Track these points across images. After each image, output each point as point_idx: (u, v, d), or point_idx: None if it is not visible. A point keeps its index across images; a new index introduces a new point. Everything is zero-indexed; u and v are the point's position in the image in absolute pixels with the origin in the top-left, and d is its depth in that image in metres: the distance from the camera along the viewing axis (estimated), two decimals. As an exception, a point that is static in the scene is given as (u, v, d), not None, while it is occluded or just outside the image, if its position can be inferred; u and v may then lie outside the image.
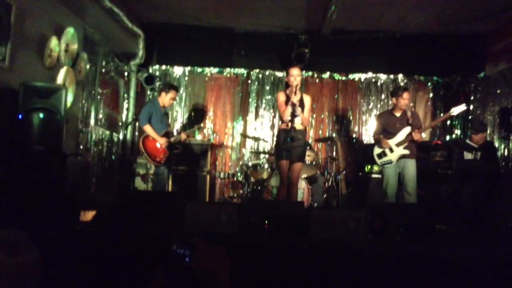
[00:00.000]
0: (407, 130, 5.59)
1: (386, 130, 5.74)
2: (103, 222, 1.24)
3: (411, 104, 7.83)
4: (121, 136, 7.54)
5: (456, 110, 5.55)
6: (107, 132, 7.08)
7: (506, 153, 6.54)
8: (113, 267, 1.17)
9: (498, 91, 6.86)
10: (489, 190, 6.01)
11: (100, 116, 6.83)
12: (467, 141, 6.28)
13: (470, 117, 7.64)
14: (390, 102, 6.07)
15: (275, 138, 5.47)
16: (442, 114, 7.79)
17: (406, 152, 5.55)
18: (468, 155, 6.17)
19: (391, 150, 5.60)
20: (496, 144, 6.74)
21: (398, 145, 5.57)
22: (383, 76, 8.12)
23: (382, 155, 5.67)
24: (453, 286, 3.57)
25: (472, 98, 7.70)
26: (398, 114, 5.71)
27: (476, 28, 7.11)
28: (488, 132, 6.99)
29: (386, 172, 5.64)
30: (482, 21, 6.78)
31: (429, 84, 8.11)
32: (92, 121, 6.52)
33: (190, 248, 1.23)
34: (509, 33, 6.60)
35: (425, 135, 7.64)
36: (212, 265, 1.20)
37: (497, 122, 6.82)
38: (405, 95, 5.63)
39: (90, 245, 1.23)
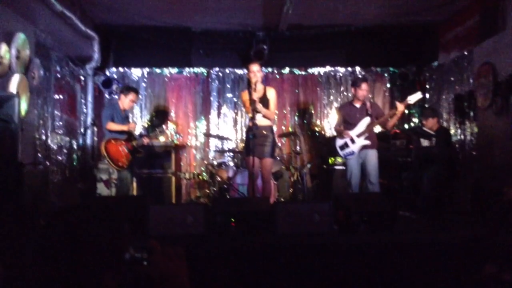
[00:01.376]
0: (366, 120, 5.68)
1: (347, 121, 5.81)
2: (55, 229, 1.21)
3: (370, 96, 7.98)
4: (80, 142, 7.37)
5: (412, 99, 5.66)
6: (66, 139, 6.90)
7: (461, 138, 6.75)
8: (66, 273, 1.15)
9: (452, 78, 7.08)
10: (447, 176, 6.21)
11: (58, 122, 6.65)
12: (424, 128, 6.46)
13: (426, 106, 7.86)
14: (350, 94, 6.16)
15: (239, 136, 5.47)
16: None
17: (367, 142, 5.64)
18: (425, 142, 6.35)
19: (353, 141, 5.68)
20: (452, 130, 6.96)
21: (359, 136, 5.66)
22: (341, 69, 8.25)
23: (344, 146, 5.75)
24: (417, 271, 3.67)
25: (428, 86, 7.93)
26: (358, 105, 5.79)
27: (428, 19, 7.31)
28: (444, 118, 7.22)
29: (349, 163, 5.72)
30: (433, 12, 6.97)
31: (386, 75, 8.30)
32: (49, 128, 6.34)
33: (147, 251, 1.22)
34: (459, 22, 6.82)
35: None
36: (170, 268, 1.19)
37: (452, 109, 7.03)
38: (364, 85, 5.71)
39: (42, 251, 1.20)
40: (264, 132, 5.11)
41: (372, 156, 5.65)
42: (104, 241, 1.17)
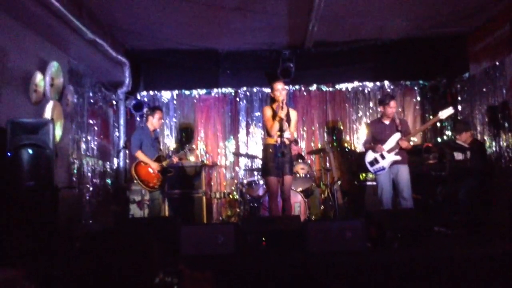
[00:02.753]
0: (397, 136, 5.63)
1: (376, 138, 5.77)
2: (92, 250, 1.24)
3: (400, 110, 7.90)
4: (114, 165, 7.53)
5: (444, 114, 5.61)
6: (100, 162, 7.07)
7: (497, 150, 6.55)
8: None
9: (484, 89, 6.91)
10: (483, 189, 6.03)
11: (91, 146, 6.83)
12: (458, 141, 6.32)
13: (459, 118, 7.69)
14: (379, 109, 6.11)
15: (262, 154, 5.45)
16: (431, 117, 7.86)
17: (398, 158, 5.57)
18: (458, 156, 6.20)
19: (383, 157, 5.62)
20: (487, 142, 6.77)
21: (389, 151, 5.60)
22: (369, 84, 8.18)
23: (374, 162, 5.69)
24: (454, 286, 3.55)
25: (459, 98, 7.77)
26: (387, 122, 5.76)
27: (456, 30, 7.21)
28: (478, 130, 7.05)
29: (380, 179, 5.65)
30: (461, 23, 6.87)
31: (415, 88, 8.18)
32: (83, 152, 6.51)
33: (177, 276, 1.24)
34: (489, 32, 6.69)
35: (416, 139, 7.68)
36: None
37: (486, 121, 6.86)
38: (392, 103, 5.68)
39: (76, 275, 1.23)
40: (286, 151, 5.10)
41: (404, 172, 5.57)
42: (135, 265, 1.19)
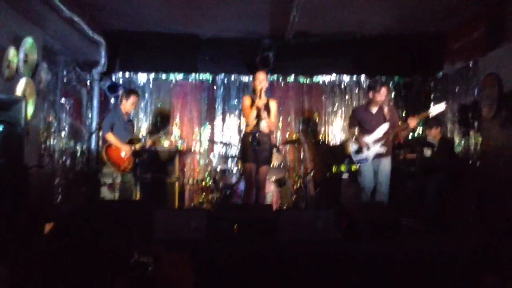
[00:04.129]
0: (384, 127, 5.55)
1: (361, 127, 5.66)
2: (62, 233, 1.23)
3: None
4: (85, 146, 7.41)
5: (434, 110, 5.56)
6: (71, 143, 6.94)
7: (466, 148, 6.73)
8: (74, 278, 1.16)
9: (457, 89, 7.07)
10: (450, 185, 6.21)
11: (63, 126, 6.69)
12: (428, 138, 6.47)
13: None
14: (369, 96, 5.84)
15: (240, 142, 5.45)
16: (404, 114, 8.01)
17: (383, 150, 5.51)
18: (428, 152, 6.34)
19: (368, 148, 5.55)
20: (457, 141, 6.95)
21: (374, 142, 5.53)
22: (346, 78, 8.25)
23: (358, 151, 5.62)
24: (419, 280, 3.66)
25: (432, 96, 7.94)
26: (374, 110, 5.62)
27: (434, 29, 7.33)
28: (449, 128, 7.22)
29: (363, 169, 5.60)
30: (439, 21, 6.99)
31: (390, 84, 8.30)
32: (54, 132, 6.38)
33: (153, 256, 1.23)
34: (465, 32, 6.82)
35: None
36: (175, 274, 1.20)
37: (457, 119, 7.03)
38: (383, 90, 5.52)
39: (50, 257, 1.21)
40: (265, 140, 5.12)
41: (386, 165, 5.54)
42: (113, 246, 1.19)
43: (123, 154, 5.83)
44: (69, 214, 1.28)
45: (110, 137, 5.86)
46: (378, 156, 5.54)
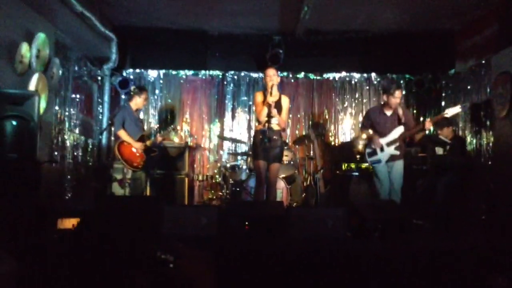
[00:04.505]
0: (399, 129, 5.49)
1: (374, 129, 5.62)
2: (82, 230, 1.24)
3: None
4: (96, 142, 7.45)
5: (450, 112, 5.45)
6: (82, 138, 6.98)
7: (477, 147, 6.69)
8: (93, 275, 1.17)
9: (469, 87, 7.02)
10: (461, 184, 6.17)
11: (74, 121, 6.74)
12: (440, 136, 6.43)
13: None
14: (383, 98, 5.76)
15: (251, 139, 5.44)
16: (414, 111, 7.98)
17: (397, 152, 5.46)
18: (439, 150, 6.31)
19: (382, 149, 5.50)
20: (468, 139, 6.90)
21: (389, 144, 5.49)
22: (356, 75, 8.23)
23: (372, 154, 5.58)
24: (428, 279, 3.65)
25: (443, 94, 7.89)
26: (389, 113, 5.55)
27: (445, 26, 7.28)
28: (460, 126, 7.17)
29: (379, 172, 5.54)
30: (450, 20, 6.94)
31: (401, 82, 8.25)
32: (66, 127, 6.43)
33: (174, 254, 1.24)
34: (477, 30, 6.77)
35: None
36: (196, 272, 1.21)
37: (469, 118, 6.98)
38: (397, 93, 5.42)
39: (70, 253, 1.23)
40: (276, 137, 5.10)
41: (399, 166, 5.49)
42: (135, 242, 1.20)
43: (134, 151, 5.85)
44: (93, 211, 1.29)
45: (122, 134, 5.88)
46: (392, 158, 5.49)
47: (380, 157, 5.51)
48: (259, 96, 5.20)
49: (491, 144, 6.35)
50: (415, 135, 5.65)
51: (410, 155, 6.73)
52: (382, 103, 5.75)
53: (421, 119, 8.01)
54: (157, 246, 1.27)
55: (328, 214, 4.29)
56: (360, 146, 5.77)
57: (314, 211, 4.48)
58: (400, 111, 5.51)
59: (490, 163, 6.35)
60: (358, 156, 6.91)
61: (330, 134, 8.19)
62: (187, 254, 1.23)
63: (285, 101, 5.22)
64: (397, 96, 5.43)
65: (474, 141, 6.77)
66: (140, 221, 1.31)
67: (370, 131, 5.66)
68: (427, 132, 5.79)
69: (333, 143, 8.12)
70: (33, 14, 5.37)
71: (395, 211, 4.59)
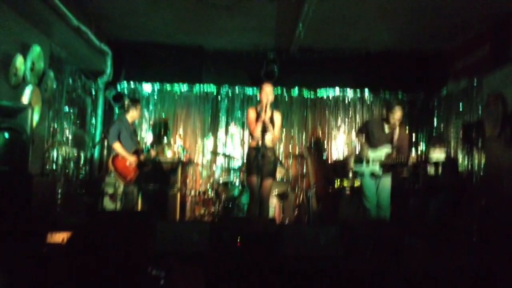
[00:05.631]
0: (387, 149, 5.52)
1: (368, 139, 5.64)
2: (73, 245, 1.22)
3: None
4: (88, 155, 7.41)
5: (433, 157, 5.46)
6: (74, 151, 6.94)
7: (469, 168, 6.72)
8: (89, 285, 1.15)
9: (460, 107, 7.09)
10: (453, 204, 6.18)
11: (67, 135, 6.70)
12: (431, 157, 6.45)
13: (434, 134, 7.87)
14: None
15: (245, 155, 5.44)
16: (407, 131, 8.02)
17: (379, 172, 5.48)
18: (431, 170, 6.33)
19: (367, 162, 5.53)
20: (460, 159, 6.94)
21: (374, 160, 5.52)
22: (350, 93, 8.28)
23: (357, 162, 5.63)
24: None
25: (436, 114, 7.95)
26: (387, 130, 5.58)
27: (438, 47, 7.39)
28: (452, 146, 7.22)
29: (365, 182, 5.56)
30: (443, 40, 7.05)
31: (394, 101, 8.29)
32: (58, 140, 6.39)
33: (165, 270, 1.23)
34: (470, 51, 6.86)
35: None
36: (187, 287, 1.20)
37: (460, 138, 7.03)
38: (396, 111, 5.42)
39: (60, 268, 1.21)
40: (270, 154, 5.11)
41: (385, 183, 5.52)
42: (128, 258, 1.18)
43: (128, 165, 5.82)
44: (83, 225, 1.28)
45: (117, 147, 5.85)
46: (374, 176, 5.53)
47: (363, 170, 5.55)
48: (251, 113, 5.20)
49: (482, 164, 6.39)
50: (400, 169, 5.68)
51: (402, 174, 6.75)
52: (384, 118, 5.74)
53: (413, 138, 8.07)
54: (148, 262, 1.25)
55: (321, 231, 4.28)
56: (353, 164, 5.76)
57: (306, 229, 4.45)
58: (396, 134, 5.53)
59: (481, 183, 6.38)
60: (351, 174, 6.92)
61: (324, 151, 8.20)
62: (178, 269, 1.22)
63: (278, 117, 5.23)
64: (396, 114, 5.43)
65: (466, 161, 6.81)
66: (132, 237, 1.29)
67: (364, 137, 5.67)
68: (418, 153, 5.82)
69: (326, 160, 8.12)
70: (29, 27, 5.37)
71: (388, 230, 4.58)
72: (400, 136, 5.57)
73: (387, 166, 5.56)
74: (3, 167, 4.20)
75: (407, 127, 7.65)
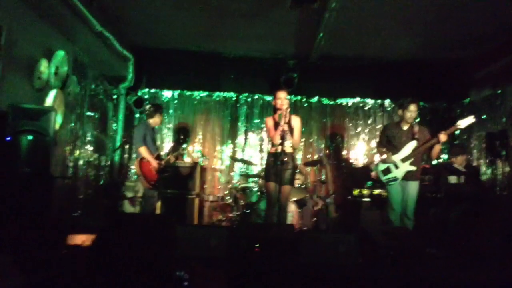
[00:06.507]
0: (412, 144, 5.34)
1: (390, 143, 5.48)
2: (99, 246, 1.23)
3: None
4: (109, 159, 7.49)
5: (463, 123, 5.25)
6: (95, 155, 7.03)
7: (492, 177, 6.60)
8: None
9: (484, 116, 6.97)
10: (475, 214, 6.07)
11: (88, 138, 6.79)
12: (454, 165, 6.36)
13: (456, 142, 7.76)
14: (398, 114, 5.68)
15: (264, 161, 5.42)
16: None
17: (412, 168, 5.29)
18: (452, 179, 6.23)
19: (396, 166, 5.35)
20: (483, 169, 6.83)
21: (403, 160, 5.33)
22: (370, 101, 8.23)
23: (386, 171, 5.40)
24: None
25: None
26: (405, 127, 5.45)
27: (460, 55, 7.29)
28: (475, 156, 7.10)
29: (391, 190, 5.37)
30: (466, 49, 6.96)
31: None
32: (80, 144, 6.48)
33: (189, 272, 1.23)
34: (492, 60, 6.77)
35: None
36: (211, 289, 1.19)
37: (483, 147, 6.91)
38: (412, 107, 5.33)
39: (84, 269, 1.22)
40: (287, 160, 5.07)
41: (413, 189, 5.31)
42: (153, 260, 1.18)
43: (152, 168, 5.85)
44: (108, 227, 1.29)
45: (143, 151, 5.85)
46: (407, 177, 5.33)
47: (395, 174, 5.33)
48: (270, 121, 5.18)
49: (506, 175, 6.27)
50: (431, 153, 5.49)
51: (423, 182, 6.66)
52: (398, 119, 5.64)
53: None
54: (173, 264, 1.26)
55: (340, 239, 4.24)
56: (373, 172, 5.65)
57: (326, 236, 4.41)
58: (416, 128, 5.42)
59: (505, 193, 6.26)
60: (370, 182, 6.85)
61: (343, 159, 8.15)
62: (201, 272, 1.21)
63: (296, 121, 5.18)
64: (412, 110, 5.35)
65: (489, 171, 6.69)
66: (156, 240, 1.30)
67: (384, 149, 5.50)
68: (442, 146, 5.58)
69: (345, 168, 8.06)
70: (53, 32, 5.48)
71: (408, 239, 4.51)
72: (420, 128, 5.46)
73: (418, 163, 5.36)
74: (26, 168, 4.27)
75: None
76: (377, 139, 5.94)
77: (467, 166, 6.46)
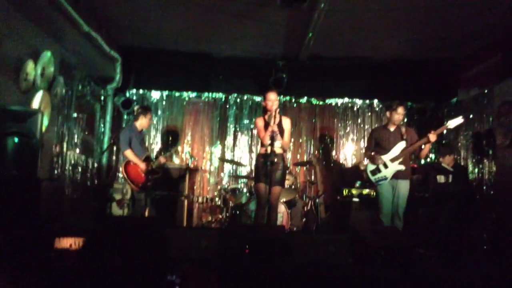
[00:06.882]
0: (401, 145, 5.44)
1: (379, 145, 5.56)
2: (88, 249, 1.20)
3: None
4: (96, 161, 7.41)
5: (452, 123, 5.40)
6: (82, 157, 6.95)
7: (479, 176, 6.66)
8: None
9: (471, 116, 7.03)
10: (463, 213, 6.11)
11: (76, 140, 6.71)
12: (443, 164, 6.41)
13: (443, 142, 7.81)
14: (386, 115, 5.76)
15: (254, 162, 5.41)
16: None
17: (401, 167, 5.38)
18: (441, 179, 6.26)
19: (386, 166, 5.43)
20: (470, 168, 6.88)
21: (392, 160, 5.41)
22: (359, 101, 8.25)
23: (376, 171, 5.48)
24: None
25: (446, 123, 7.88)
26: (392, 129, 5.56)
27: (448, 55, 7.34)
28: (462, 155, 7.16)
29: (381, 190, 5.44)
30: (454, 49, 7.00)
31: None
32: (67, 146, 6.40)
33: (181, 275, 1.20)
34: (480, 60, 6.82)
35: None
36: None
37: (471, 147, 6.97)
38: (400, 109, 5.45)
39: (72, 273, 1.19)
40: (277, 161, 5.07)
41: (404, 188, 5.39)
42: (145, 263, 1.16)
43: (140, 171, 5.81)
44: (97, 230, 1.26)
45: (129, 154, 5.83)
46: (397, 176, 5.39)
47: (385, 174, 5.40)
48: (260, 122, 5.19)
49: (493, 174, 6.32)
50: (421, 152, 5.58)
51: (411, 181, 6.68)
52: (386, 122, 5.75)
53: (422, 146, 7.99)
54: (163, 267, 1.23)
55: (331, 239, 4.24)
56: (367, 169, 5.66)
57: (316, 237, 4.41)
58: (403, 129, 5.53)
59: (492, 192, 6.31)
60: (359, 182, 6.87)
61: (332, 159, 8.16)
62: (193, 275, 1.19)
63: (286, 123, 5.19)
64: (400, 112, 5.46)
65: (476, 170, 6.75)
66: (145, 243, 1.27)
67: (372, 154, 5.58)
68: (430, 146, 5.67)
69: (334, 168, 8.08)
70: (40, 32, 5.40)
71: (399, 239, 4.52)
72: (407, 129, 5.59)
73: (407, 163, 5.44)
74: (12, 171, 4.20)
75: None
76: (365, 143, 5.99)
77: (455, 165, 6.51)
